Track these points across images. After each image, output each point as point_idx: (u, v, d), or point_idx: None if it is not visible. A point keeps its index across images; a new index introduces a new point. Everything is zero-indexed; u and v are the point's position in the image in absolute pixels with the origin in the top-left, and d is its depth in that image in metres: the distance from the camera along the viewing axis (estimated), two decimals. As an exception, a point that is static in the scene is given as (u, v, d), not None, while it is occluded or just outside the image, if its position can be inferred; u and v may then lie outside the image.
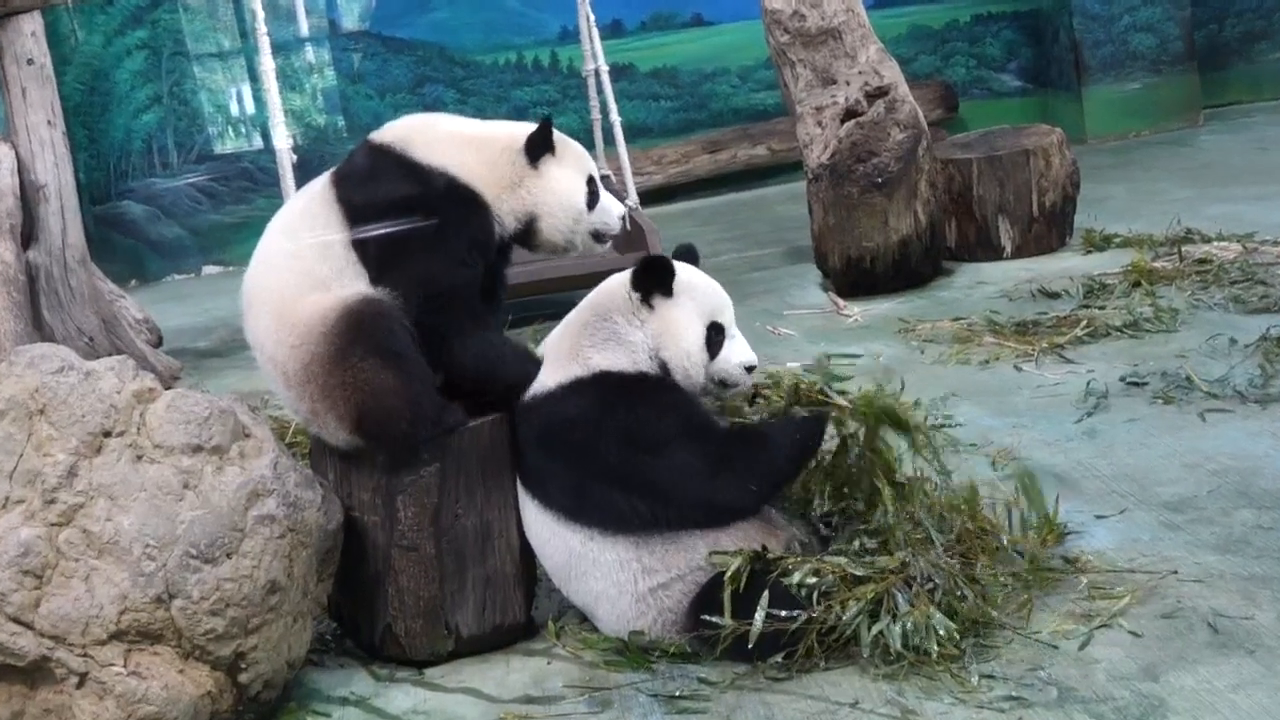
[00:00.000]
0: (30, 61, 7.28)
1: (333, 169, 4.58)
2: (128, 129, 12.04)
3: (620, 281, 4.42)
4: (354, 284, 4.33)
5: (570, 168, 4.56)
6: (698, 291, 4.42)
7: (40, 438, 4.01)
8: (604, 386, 4.29)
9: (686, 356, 4.32)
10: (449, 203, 4.39)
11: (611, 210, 4.64)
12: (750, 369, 4.43)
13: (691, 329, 4.34)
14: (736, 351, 4.41)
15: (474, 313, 4.44)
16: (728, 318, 4.43)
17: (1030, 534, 4.53)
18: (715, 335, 4.38)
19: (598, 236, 4.64)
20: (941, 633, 3.93)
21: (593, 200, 4.60)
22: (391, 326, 4.28)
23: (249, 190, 12.05)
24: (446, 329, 4.37)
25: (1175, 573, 4.29)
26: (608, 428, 4.22)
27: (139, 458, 4.02)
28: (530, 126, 4.55)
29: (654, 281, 4.34)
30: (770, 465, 4.23)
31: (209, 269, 12.04)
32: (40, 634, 3.90)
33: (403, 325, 4.30)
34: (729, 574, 4.05)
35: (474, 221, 4.43)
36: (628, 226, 4.59)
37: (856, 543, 4.22)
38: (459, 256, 4.40)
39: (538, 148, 4.50)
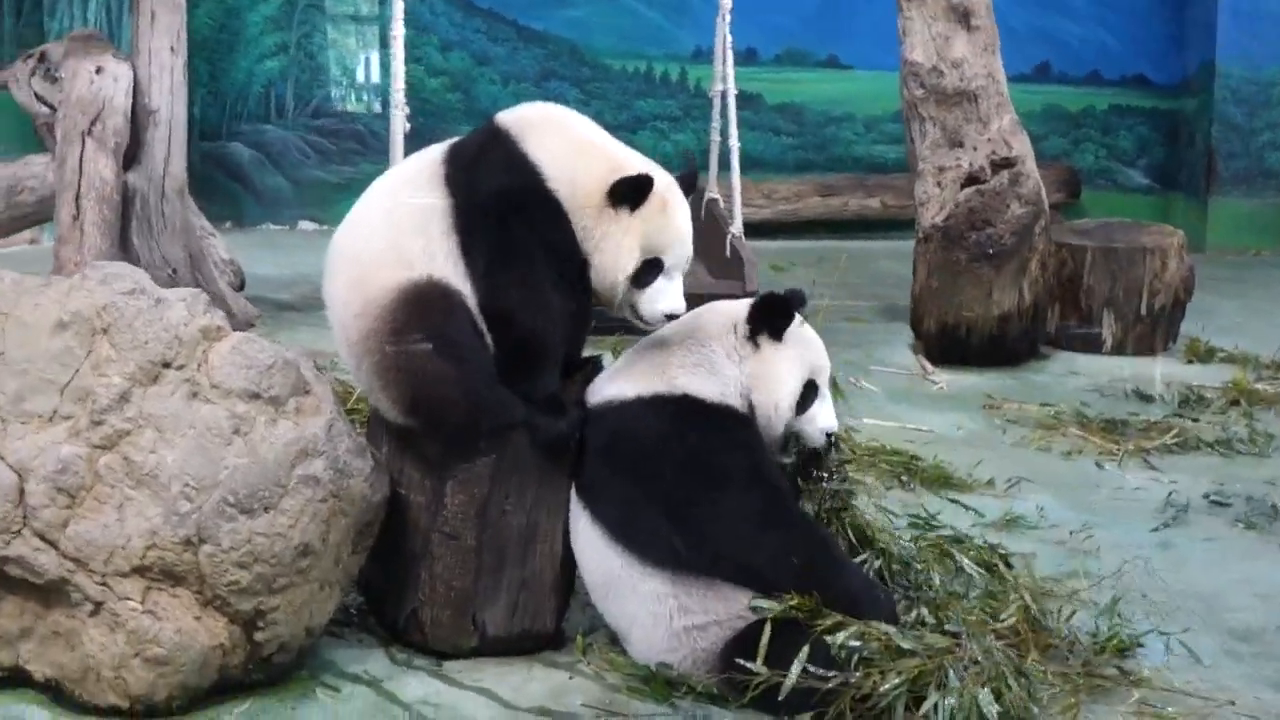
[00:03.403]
0: (163, -14, 7.29)
1: (450, 141, 4.45)
2: (250, 72, 12.05)
3: (727, 311, 4.32)
4: (442, 267, 4.21)
5: (634, 233, 4.21)
6: (806, 344, 4.33)
7: (99, 357, 3.93)
8: (684, 408, 4.18)
9: (775, 407, 4.23)
10: (530, 203, 4.23)
11: (656, 303, 4.23)
12: (830, 436, 4.35)
13: (790, 381, 4.25)
14: (823, 414, 4.32)
15: (538, 345, 4.26)
16: (824, 379, 4.34)
17: (1088, 637, 4.37)
18: (809, 392, 4.29)
19: (636, 315, 4.29)
20: (987, 715, 3.76)
21: (643, 279, 4.23)
22: (452, 311, 4.17)
23: (357, 153, 12.01)
24: (504, 344, 4.25)
25: (1232, 703, 4.14)
26: (674, 449, 4.12)
27: (194, 395, 3.94)
28: (652, 168, 4.30)
29: (770, 322, 4.24)
30: (827, 563, 4.09)
31: (305, 224, 11.99)
32: (63, 555, 3.84)
33: (466, 312, 4.19)
34: (772, 616, 3.94)
35: (549, 230, 4.23)
36: (656, 327, 4.33)
37: (914, 613, 4.12)
38: (539, 272, 4.23)
39: (620, 195, 4.19)
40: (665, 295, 4.26)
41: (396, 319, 4.15)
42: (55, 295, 4.02)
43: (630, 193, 4.20)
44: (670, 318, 4.26)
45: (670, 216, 4.27)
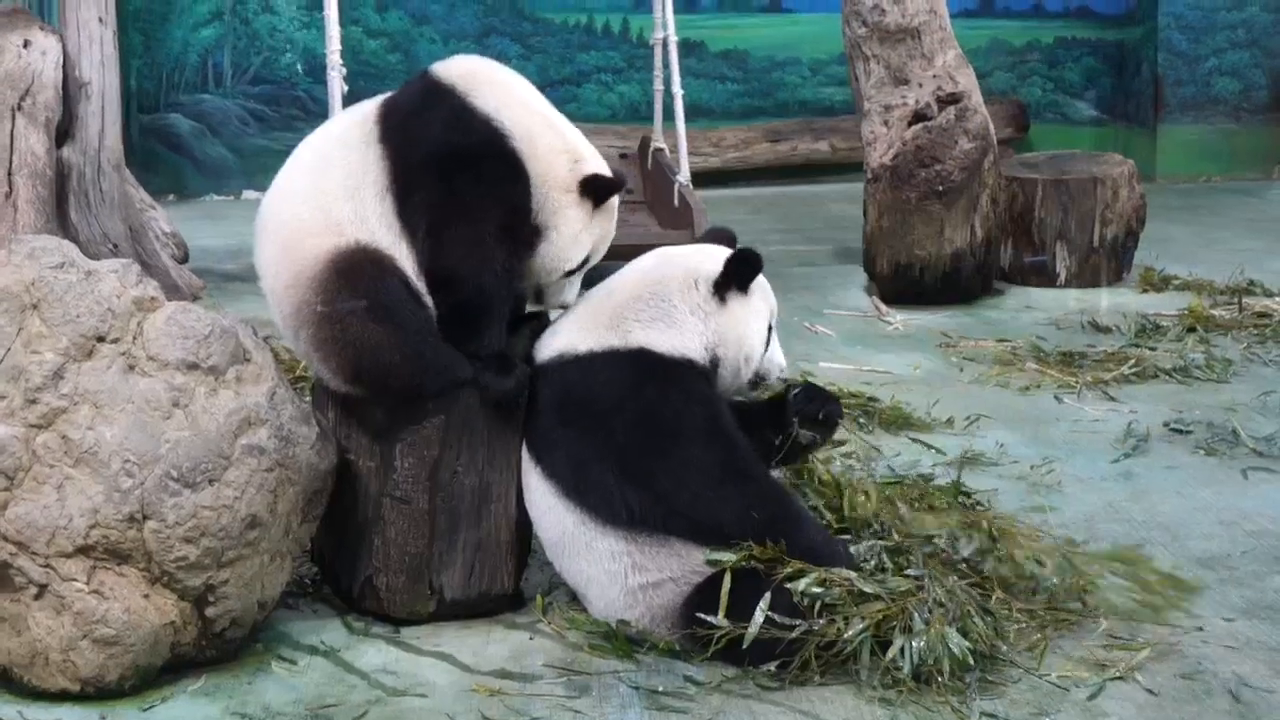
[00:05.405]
0: (88, -45, 7.17)
1: (383, 97, 4.31)
2: (185, 41, 11.91)
3: (685, 266, 4.20)
4: (374, 231, 4.09)
5: (590, 229, 4.21)
6: (764, 291, 4.26)
7: (30, 333, 3.83)
8: (639, 363, 4.08)
9: (747, 359, 4.17)
10: (487, 159, 4.12)
11: (565, 295, 4.30)
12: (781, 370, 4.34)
13: (761, 331, 4.20)
14: (776, 351, 4.29)
15: (482, 303, 4.17)
16: (775, 319, 4.29)
17: (1053, 568, 4.33)
18: (767, 334, 4.25)
19: (541, 299, 4.33)
20: (956, 653, 3.73)
21: (586, 267, 4.30)
22: (384, 276, 4.05)
23: (298, 119, 11.87)
24: (448, 303, 4.16)
25: (1200, 630, 4.11)
26: (629, 406, 4.03)
27: (131, 368, 3.84)
28: (596, 161, 4.25)
29: (740, 278, 4.15)
30: (787, 518, 4.00)
31: (249, 193, 11.87)
32: (3, 538, 3.75)
33: (400, 275, 4.08)
34: (730, 566, 3.88)
35: (507, 187, 4.13)
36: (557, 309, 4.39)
37: (874, 560, 4.05)
38: (484, 229, 4.12)
39: (592, 191, 4.18)
40: (572, 288, 4.31)
41: (328, 288, 4.04)
42: (-19, 273, 3.91)
43: (603, 193, 4.19)
44: (562, 308, 4.31)
45: (612, 220, 4.30)
